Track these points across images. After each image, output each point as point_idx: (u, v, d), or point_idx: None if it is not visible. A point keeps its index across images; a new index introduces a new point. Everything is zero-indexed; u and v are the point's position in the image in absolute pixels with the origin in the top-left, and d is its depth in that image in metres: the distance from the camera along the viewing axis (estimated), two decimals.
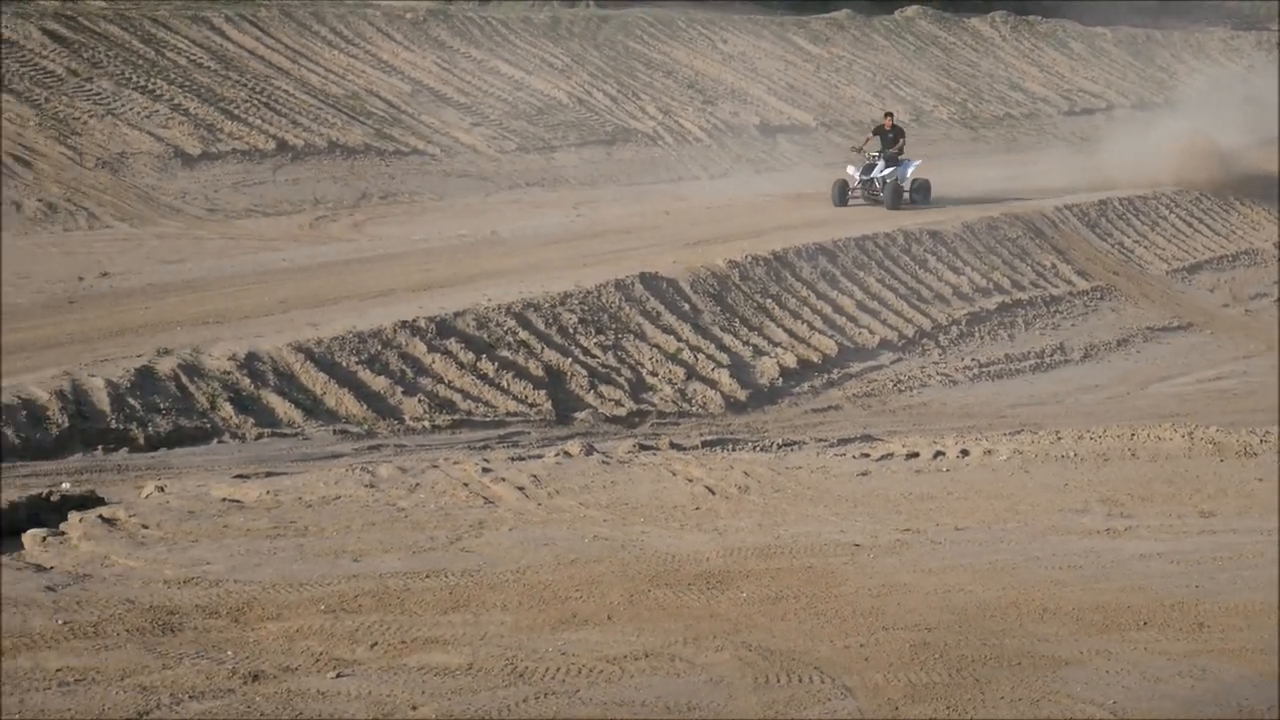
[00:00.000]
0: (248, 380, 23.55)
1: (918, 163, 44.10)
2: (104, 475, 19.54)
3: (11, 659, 12.78)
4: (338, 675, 12.42)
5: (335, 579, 14.84)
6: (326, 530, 16.65)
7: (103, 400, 21.81)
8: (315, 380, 24.25)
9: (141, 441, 21.48)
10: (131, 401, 22.04)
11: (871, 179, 43.21)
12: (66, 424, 21.18)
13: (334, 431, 22.86)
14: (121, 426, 21.59)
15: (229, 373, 23.54)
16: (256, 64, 50.85)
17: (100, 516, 16.94)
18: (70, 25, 48.34)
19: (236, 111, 47.00)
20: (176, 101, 46.40)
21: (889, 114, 45.55)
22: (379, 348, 25.74)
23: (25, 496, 17.75)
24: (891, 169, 43.05)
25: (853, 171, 43.82)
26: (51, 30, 47.49)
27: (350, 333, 25.82)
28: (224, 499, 17.93)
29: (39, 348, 24.79)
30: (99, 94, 45.57)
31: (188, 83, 47.79)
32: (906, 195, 43.20)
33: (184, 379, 23.01)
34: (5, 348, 24.88)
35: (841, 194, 43.14)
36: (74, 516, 17.02)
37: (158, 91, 46.66)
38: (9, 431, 20.57)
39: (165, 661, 12.74)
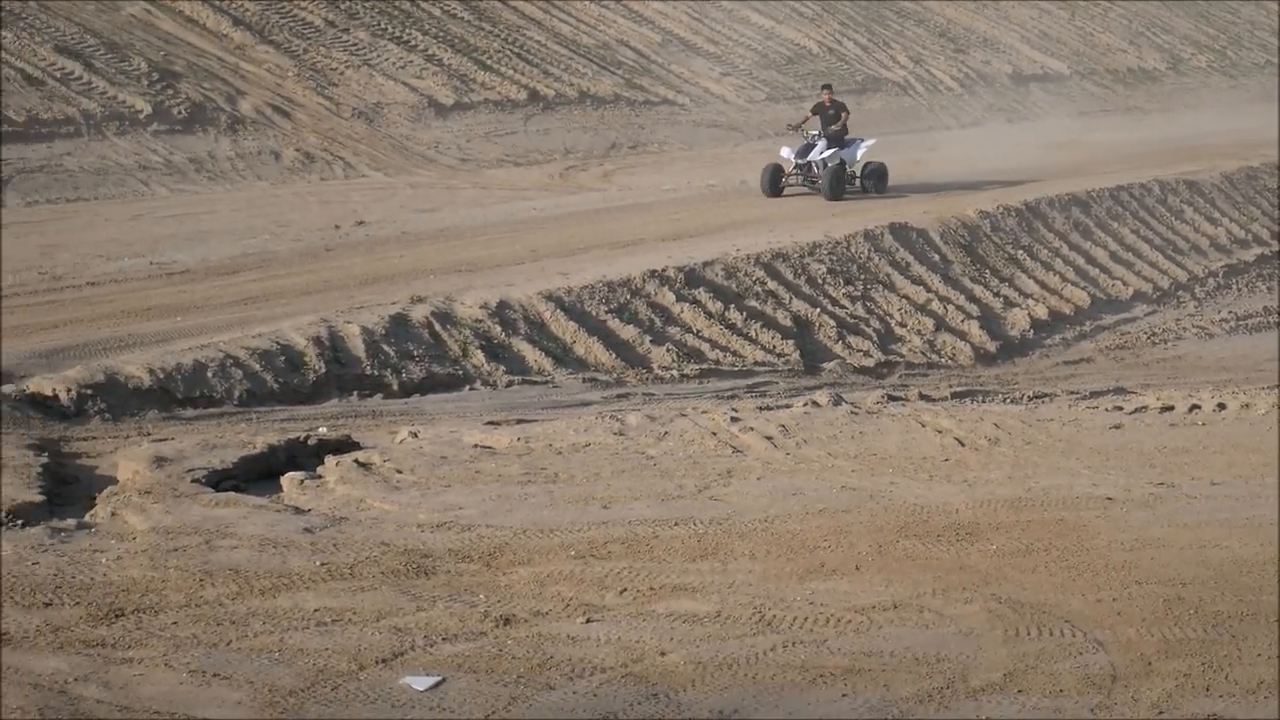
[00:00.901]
0: (499, 328, 23.80)
1: (870, 142, 36.54)
2: (359, 420, 19.89)
3: (271, 599, 13.09)
4: (587, 620, 12.54)
5: (585, 525, 14.98)
6: (576, 477, 16.80)
7: (358, 347, 22.18)
8: (565, 329, 24.44)
9: (395, 387, 21.82)
10: (386, 348, 22.39)
11: (809, 162, 35.61)
12: (323, 370, 21.58)
13: (583, 379, 23.04)
14: (376, 373, 21.95)
15: (480, 320, 23.81)
16: (509, 14, 51.30)
17: (356, 461, 17.26)
18: None
19: (489, 62, 47.49)
20: (431, 52, 47.00)
21: (827, 86, 38.46)
22: (628, 297, 25.87)
23: (284, 440, 18.16)
24: (834, 150, 35.43)
25: (787, 154, 36.07)
26: None
27: (600, 282, 25.98)
28: (476, 445, 18.16)
29: (297, 294, 25.31)
30: (355, 45, 46.32)
31: (442, 33, 48.36)
32: (856, 182, 36.11)
33: (437, 326, 23.33)
34: (265, 294, 25.46)
35: (774, 181, 35.52)
36: (330, 460, 17.36)
37: (412, 42, 47.30)
38: (268, 377, 21.00)
39: (419, 604, 12.95)
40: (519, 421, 19.55)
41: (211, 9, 45.33)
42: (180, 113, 40.06)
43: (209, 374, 20.54)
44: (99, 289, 26.31)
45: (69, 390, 19.29)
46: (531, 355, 23.53)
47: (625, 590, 13.27)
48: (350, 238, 30.95)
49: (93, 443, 17.95)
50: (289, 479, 16.74)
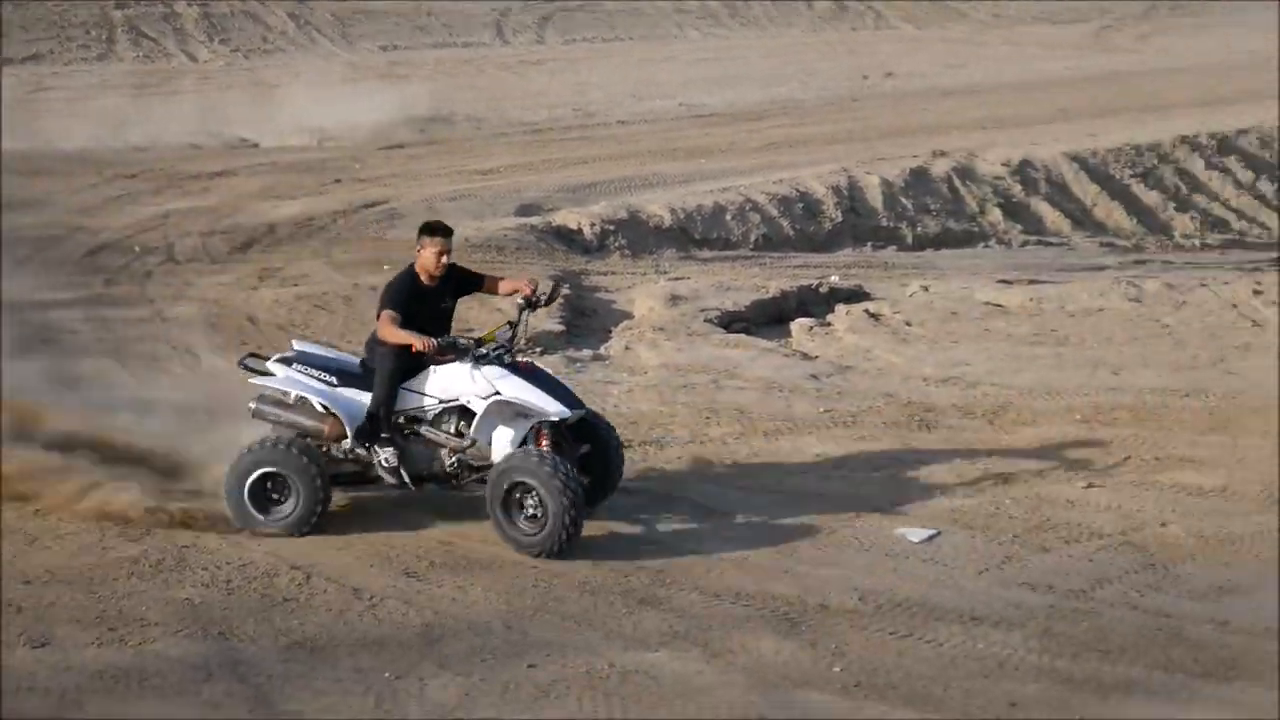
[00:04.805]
0: (1019, 186, 23.53)
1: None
2: (870, 271, 19.94)
3: (774, 441, 13.28)
4: (1088, 486, 12.37)
5: (1092, 390, 14.74)
6: (1086, 341, 16.53)
7: (876, 198, 22.22)
8: (1087, 191, 24.02)
9: (909, 240, 21.81)
10: (904, 201, 22.37)
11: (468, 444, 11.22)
12: (840, 219, 21.69)
13: (1100, 244, 22.61)
14: (891, 225, 21.97)
15: (1001, 178, 23.57)
16: None
17: (866, 311, 17.32)
18: None
19: None
20: None
21: (437, 231, 11.32)
22: (1154, 162, 25.25)
23: (796, 286, 18.33)
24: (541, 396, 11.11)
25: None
26: None
27: (1127, 145, 25.40)
28: (986, 302, 18.02)
29: (820, 143, 25.45)
30: None
31: None
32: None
33: (956, 182, 23.19)
34: (789, 141, 25.66)
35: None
36: (841, 309, 17.46)
37: None
38: (785, 223, 21.22)
39: (919, 457, 12.97)
40: (1031, 281, 19.32)
41: None
42: None
43: (728, 217, 20.85)
44: (628, 128, 26.91)
45: (592, 225, 19.84)
46: (1050, 216, 23.20)
47: (1129, 458, 13.03)
48: (877, 89, 30.88)
49: (611, 277, 18.43)
50: (799, 325, 16.91)
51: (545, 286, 11.89)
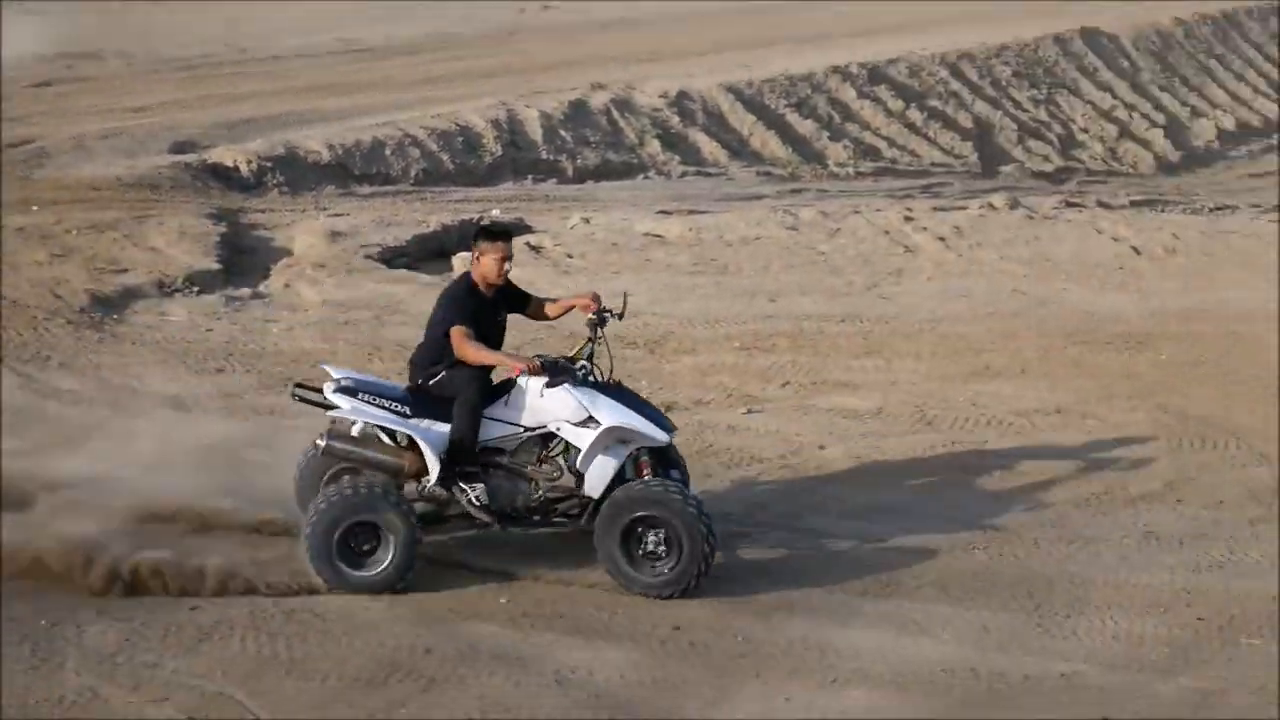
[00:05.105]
0: (677, 118, 23.73)
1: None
2: (532, 204, 19.96)
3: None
4: (748, 411, 12.60)
5: (751, 317, 15.00)
6: (745, 269, 16.79)
7: (536, 131, 22.22)
8: (743, 121, 24.31)
9: (569, 173, 21.86)
10: (563, 134, 22.41)
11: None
12: (500, 153, 21.65)
13: (757, 173, 22.93)
14: (551, 158, 21.99)
15: (659, 110, 23.75)
16: None
17: (527, 244, 17.34)
18: None
19: None
20: None
21: (494, 236, 10.25)
22: (809, 92, 25.66)
23: (457, 220, 18.28)
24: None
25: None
26: None
27: (781, 75, 25.77)
28: (646, 233, 18.18)
29: (478, 77, 25.38)
30: None
31: None
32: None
33: (615, 114, 23.30)
34: (446, 75, 25.55)
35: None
36: None
37: None
38: (445, 157, 21.11)
39: None
40: (691, 212, 19.53)
41: None
42: None
43: (387, 152, 20.69)
44: (284, 63, 26.53)
45: (249, 162, 19.54)
46: (707, 146, 23.45)
47: (788, 384, 13.30)
48: (534, 21, 30.87)
49: (270, 215, 18.18)
50: (459, 259, 16.84)
51: (614, 300, 10.46)
